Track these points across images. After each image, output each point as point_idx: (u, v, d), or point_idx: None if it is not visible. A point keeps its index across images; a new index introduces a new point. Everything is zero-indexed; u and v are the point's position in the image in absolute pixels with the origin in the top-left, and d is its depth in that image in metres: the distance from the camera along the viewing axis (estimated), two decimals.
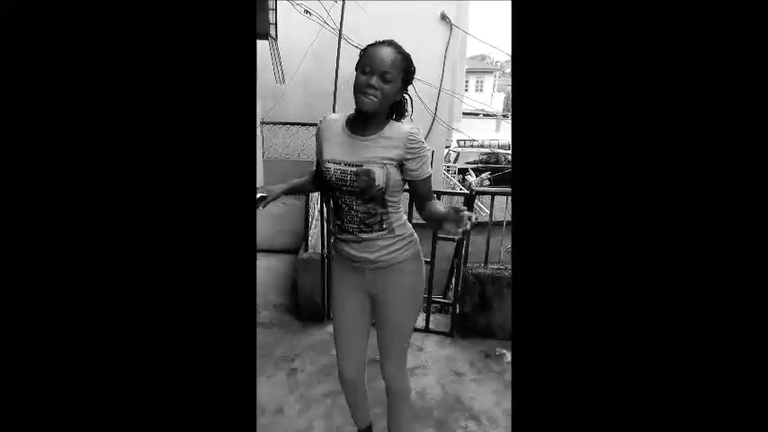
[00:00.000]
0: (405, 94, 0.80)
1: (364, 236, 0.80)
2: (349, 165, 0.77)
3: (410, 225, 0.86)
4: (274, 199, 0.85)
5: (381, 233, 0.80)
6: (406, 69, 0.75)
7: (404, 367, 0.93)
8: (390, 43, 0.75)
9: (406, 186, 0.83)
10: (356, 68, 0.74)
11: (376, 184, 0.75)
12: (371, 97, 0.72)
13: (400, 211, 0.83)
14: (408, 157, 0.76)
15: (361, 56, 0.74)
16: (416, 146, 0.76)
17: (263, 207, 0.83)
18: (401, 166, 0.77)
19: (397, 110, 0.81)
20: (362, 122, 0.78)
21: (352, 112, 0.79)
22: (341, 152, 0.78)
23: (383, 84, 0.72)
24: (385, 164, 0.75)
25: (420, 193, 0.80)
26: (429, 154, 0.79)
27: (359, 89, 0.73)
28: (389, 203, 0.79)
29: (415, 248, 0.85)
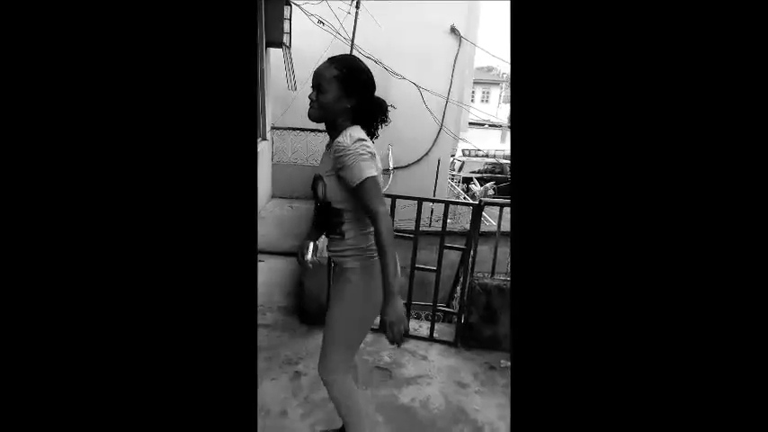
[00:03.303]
0: (375, 101, 0.82)
1: (332, 238, 0.88)
2: (317, 176, 0.86)
3: (371, 242, 0.84)
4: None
5: (337, 237, 0.86)
6: (340, 77, 0.77)
7: (335, 374, 0.88)
8: (329, 59, 0.81)
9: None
10: None
11: (319, 195, 0.83)
12: (311, 109, 0.81)
13: (357, 222, 0.83)
14: (337, 165, 0.77)
15: None
16: (339, 153, 0.75)
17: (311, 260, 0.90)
18: (338, 175, 0.78)
19: (361, 118, 0.81)
20: (330, 135, 0.84)
21: None
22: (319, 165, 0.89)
23: (319, 94, 0.79)
24: (322, 178, 0.82)
25: (359, 202, 0.78)
26: (355, 157, 0.73)
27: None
28: (343, 212, 0.82)
29: (364, 263, 0.83)
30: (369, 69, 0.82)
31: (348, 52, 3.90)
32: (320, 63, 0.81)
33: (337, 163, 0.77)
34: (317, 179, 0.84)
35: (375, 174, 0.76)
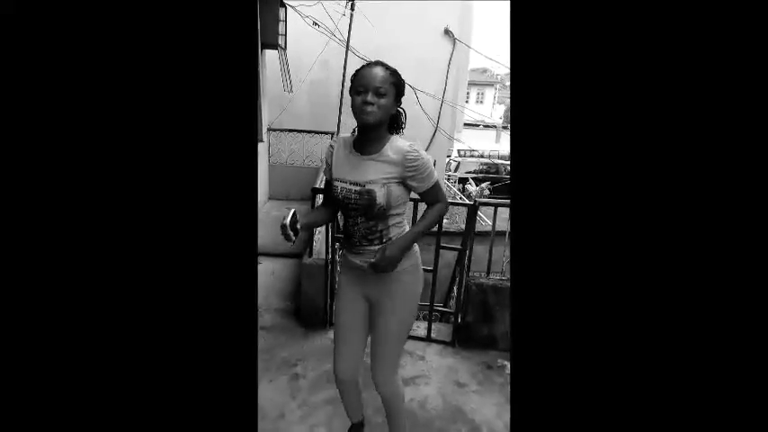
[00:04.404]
0: (399, 108, 0.85)
1: (367, 247, 0.87)
2: (354, 183, 0.83)
3: None
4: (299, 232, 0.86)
5: (382, 245, 0.85)
6: (396, 83, 0.81)
7: (395, 374, 0.95)
8: (378, 63, 0.81)
9: (413, 195, 0.88)
10: (350, 92, 0.80)
11: (377, 203, 0.81)
12: (371, 112, 0.78)
13: (402, 224, 0.87)
14: (408, 174, 0.81)
15: (352, 80, 0.80)
16: (415, 163, 0.80)
17: (293, 239, 0.82)
18: (403, 182, 0.82)
19: (395, 123, 0.86)
20: (366, 140, 0.84)
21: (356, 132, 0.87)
22: (347, 171, 0.85)
23: (378, 98, 0.78)
24: (385, 183, 0.81)
25: (427, 200, 0.88)
26: (430, 164, 0.83)
27: (357, 109, 0.79)
28: (391, 217, 0.85)
29: (413, 258, 0.89)
30: None
31: (344, 54, 3.91)
32: (366, 66, 0.80)
33: (409, 170, 0.80)
34: (371, 186, 0.80)
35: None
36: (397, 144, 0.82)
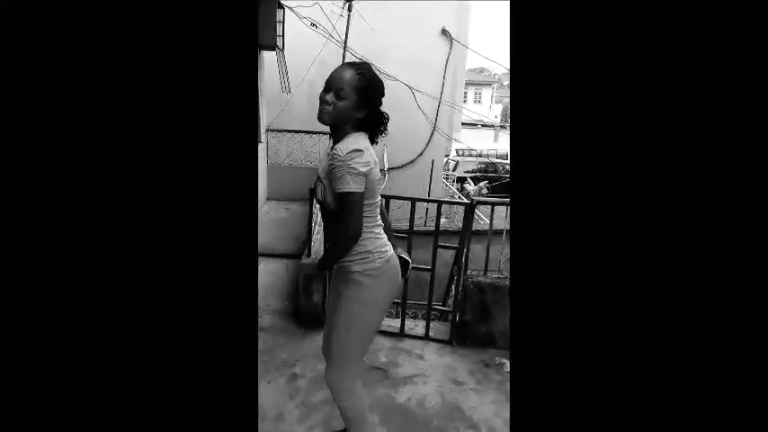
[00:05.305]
0: (380, 114, 0.83)
1: (330, 240, 0.90)
2: (317, 178, 0.87)
3: (377, 244, 0.85)
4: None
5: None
6: (362, 87, 0.78)
7: (341, 379, 0.88)
8: (352, 65, 0.81)
9: (372, 200, 0.83)
10: None
11: (319, 198, 0.84)
12: (325, 113, 0.79)
13: (364, 231, 0.83)
14: (328, 169, 0.79)
15: None
16: (332, 161, 0.77)
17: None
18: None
19: (365, 127, 0.82)
20: (334, 138, 0.84)
21: None
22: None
23: (336, 99, 0.78)
24: (321, 179, 0.83)
25: (330, 207, 0.81)
26: (347, 172, 0.75)
27: (319, 105, 0.80)
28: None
29: (370, 266, 0.83)
30: (383, 83, 0.83)
31: (341, 54, 3.91)
32: (340, 66, 0.81)
33: (328, 166, 0.79)
34: (318, 180, 0.85)
35: (356, 189, 0.75)
36: (343, 142, 0.79)
